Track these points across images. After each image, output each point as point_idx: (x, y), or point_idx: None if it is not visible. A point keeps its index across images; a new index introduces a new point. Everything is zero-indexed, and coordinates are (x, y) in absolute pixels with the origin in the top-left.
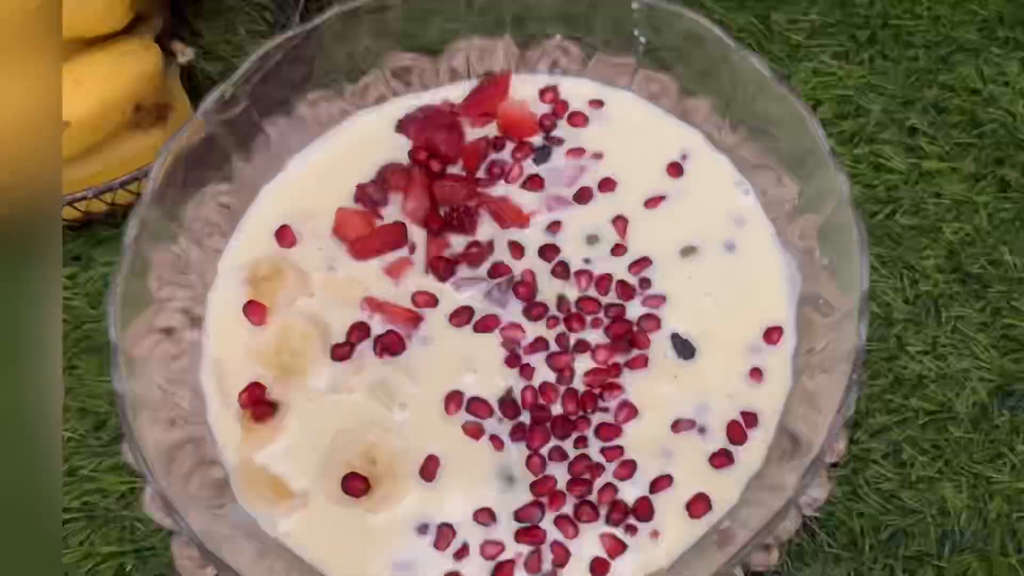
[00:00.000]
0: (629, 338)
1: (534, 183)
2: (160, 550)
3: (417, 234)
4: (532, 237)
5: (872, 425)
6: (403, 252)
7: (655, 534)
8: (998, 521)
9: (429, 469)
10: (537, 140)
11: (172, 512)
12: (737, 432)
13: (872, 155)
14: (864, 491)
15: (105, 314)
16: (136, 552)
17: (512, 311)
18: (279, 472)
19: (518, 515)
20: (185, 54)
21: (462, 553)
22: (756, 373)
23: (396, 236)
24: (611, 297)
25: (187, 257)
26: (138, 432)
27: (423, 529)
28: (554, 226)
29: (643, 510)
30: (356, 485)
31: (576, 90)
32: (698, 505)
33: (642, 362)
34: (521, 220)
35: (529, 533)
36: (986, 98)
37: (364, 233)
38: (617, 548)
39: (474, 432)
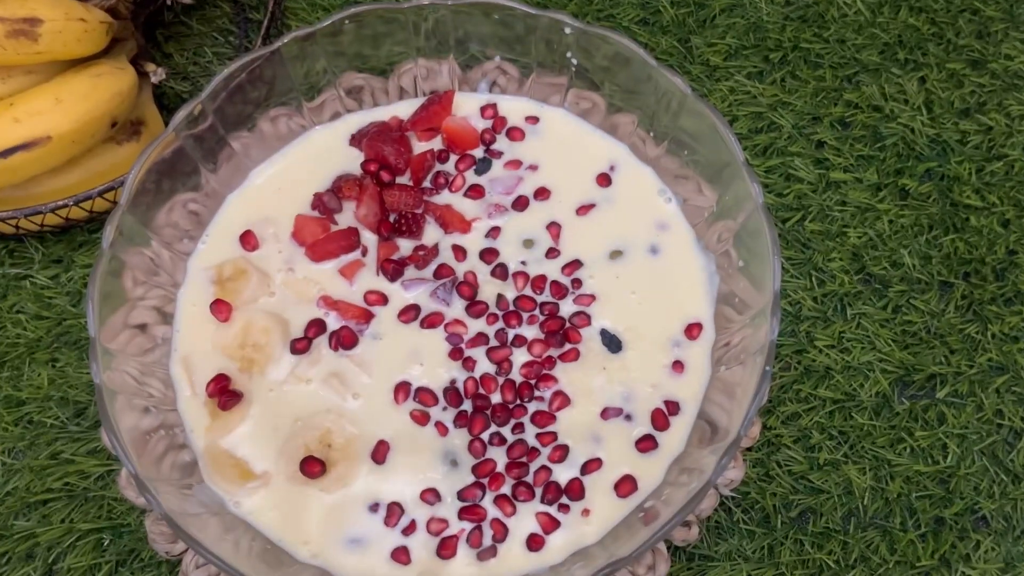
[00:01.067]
0: (562, 333)
1: (475, 192)
2: (135, 526)
3: (369, 238)
4: (474, 241)
5: (783, 412)
6: (356, 255)
7: (586, 512)
8: (898, 500)
9: (380, 453)
10: (478, 153)
11: (144, 492)
12: (660, 419)
13: (783, 166)
14: (776, 472)
15: (84, 311)
16: (112, 528)
17: (455, 309)
18: (243, 455)
19: (461, 495)
20: (157, 74)
21: (410, 529)
22: (678, 365)
23: (349, 240)
24: (546, 296)
25: (159, 259)
26: (114, 419)
27: (374, 507)
28: (494, 232)
29: (575, 490)
30: (313, 467)
31: (514, 107)
32: (625, 486)
33: (574, 355)
34: (464, 226)
35: (471, 511)
36: (887, 114)
37: (320, 237)
38: (551, 525)
39: (421, 419)
